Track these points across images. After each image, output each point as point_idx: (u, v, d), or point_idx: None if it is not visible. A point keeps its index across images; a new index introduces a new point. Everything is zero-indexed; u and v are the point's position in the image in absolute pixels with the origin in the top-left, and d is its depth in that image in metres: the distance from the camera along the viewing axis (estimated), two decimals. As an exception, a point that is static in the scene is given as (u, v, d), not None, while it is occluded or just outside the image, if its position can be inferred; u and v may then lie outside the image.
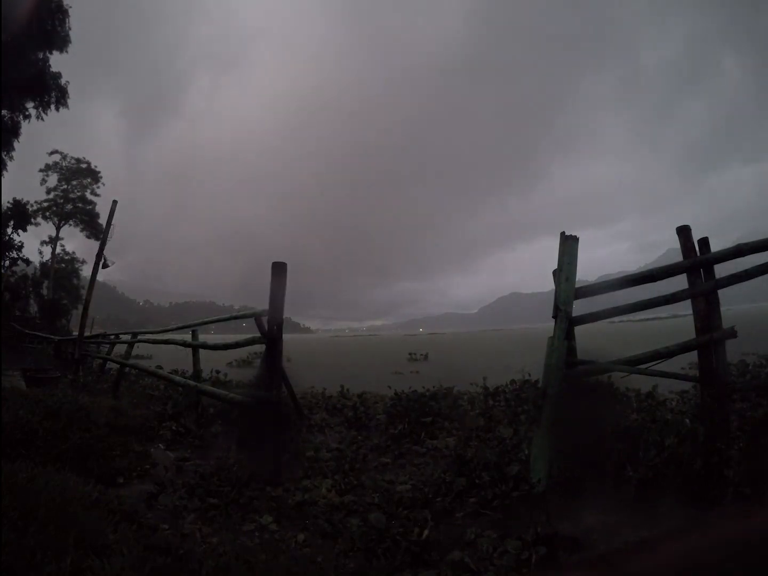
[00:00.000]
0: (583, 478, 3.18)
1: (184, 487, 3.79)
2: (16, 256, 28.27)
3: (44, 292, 33.74)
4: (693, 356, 3.79)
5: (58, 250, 37.41)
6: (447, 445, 4.99)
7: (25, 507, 2.20)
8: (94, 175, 38.58)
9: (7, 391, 6.20)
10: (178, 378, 7.32)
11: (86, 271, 31.32)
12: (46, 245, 36.48)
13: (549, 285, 3.92)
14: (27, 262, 30.07)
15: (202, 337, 7.61)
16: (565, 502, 3.04)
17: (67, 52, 19.18)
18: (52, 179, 37.43)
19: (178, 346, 7.76)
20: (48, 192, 37.07)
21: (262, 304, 4.72)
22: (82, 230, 37.63)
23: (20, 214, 27.69)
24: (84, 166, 38.42)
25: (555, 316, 3.71)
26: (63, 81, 20.18)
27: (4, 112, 18.99)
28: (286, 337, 4.66)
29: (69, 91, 20.37)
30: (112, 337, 13.44)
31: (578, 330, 3.88)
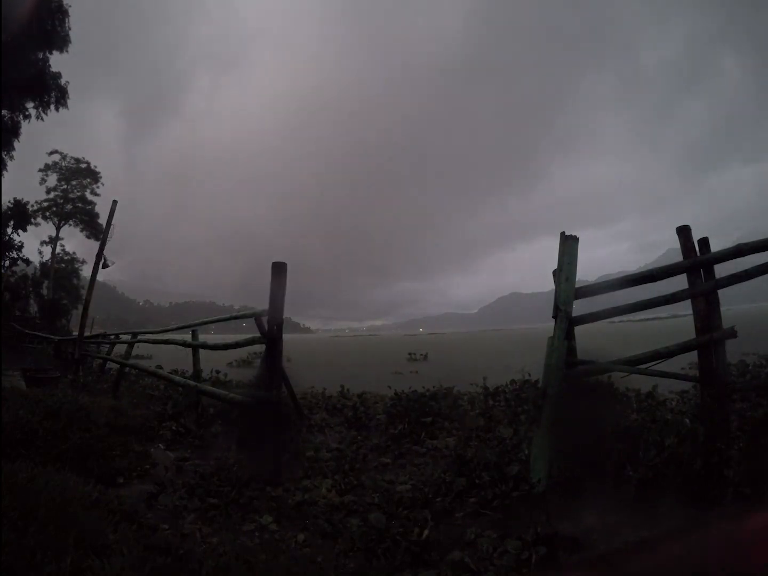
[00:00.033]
0: (583, 478, 3.18)
1: (184, 487, 3.79)
2: (16, 256, 28.28)
3: (44, 292, 33.74)
4: (693, 356, 3.79)
5: (58, 250, 37.46)
6: (447, 445, 4.99)
7: (25, 507, 2.20)
8: (93, 175, 38.60)
9: (7, 391, 6.20)
10: (178, 378, 7.32)
11: (86, 271, 31.35)
12: (46, 245, 36.52)
13: (549, 285, 3.92)
14: (27, 262, 30.07)
15: (202, 337, 7.61)
16: (565, 502, 3.04)
17: (67, 52, 19.18)
18: (52, 179, 37.50)
19: (178, 346, 7.76)
20: (48, 192, 37.12)
21: (262, 304, 4.72)
22: (82, 230, 37.64)
23: (20, 214, 27.69)
24: (84, 166, 38.43)
25: (555, 316, 3.71)
26: (63, 81, 20.20)
27: (4, 112, 18.99)
28: (286, 337, 4.66)
29: (69, 91, 20.38)
30: (112, 337, 13.44)
31: (578, 330, 3.88)
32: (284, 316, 4.57)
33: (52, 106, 20.14)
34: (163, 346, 8.46)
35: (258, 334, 4.87)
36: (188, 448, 5.46)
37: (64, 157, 38.02)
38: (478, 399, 6.96)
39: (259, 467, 4.12)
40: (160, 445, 5.50)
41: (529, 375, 6.82)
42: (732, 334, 3.65)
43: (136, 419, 5.87)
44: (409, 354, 25.43)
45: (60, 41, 18.67)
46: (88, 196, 38.07)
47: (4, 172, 20.61)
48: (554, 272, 3.84)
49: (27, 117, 20.06)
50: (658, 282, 3.74)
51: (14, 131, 19.97)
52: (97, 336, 14.78)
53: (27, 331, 22.72)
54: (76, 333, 14.72)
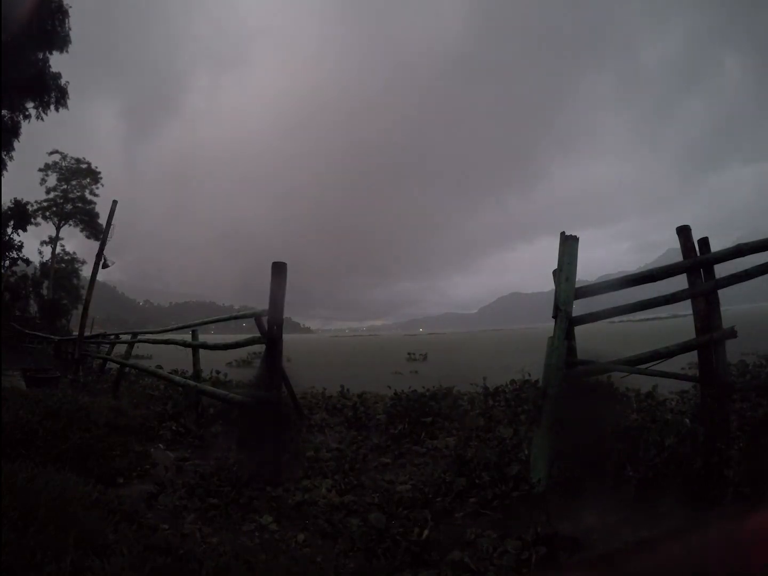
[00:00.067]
0: (583, 478, 3.18)
1: (184, 487, 3.79)
2: (16, 256, 28.30)
3: (44, 292, 33.75)
4: (693, 356, 3.78)
5: (58, 250, 37.49)
6: (447, 445, 4.99)
7: (25, 507, 2.20)
8: (93, 175, 38.60)
9: (7, 391, 6.20)
10: (178, 378, 7.32)
11: (86, 271, 31.35)
12: (46, 245, 36.54)
13: (549, 285, 3.92)
14: (27, 262, 30.08)
15: (202, 337, 7.61)
16: (565, 502, 3.04)
17: (67, 52, 19.18)
18: (52, 179, 37.52)
19: (178, 346, 7.76)
20: (48, 192, 37.15)
21: (262, 304, 4.72)
22: (82, 230, 37.66)
23: (20, 214, 27.70)
24: (84, 166, 38.44)
25: (555, 316, 3.71)
26: (63, 81, 20.21)
27: (4, 112, 18.99)
28: (286, 337, 4.66)
29: (69, 91, 20.39)
30: (112, 337, 13.44)
31: (578, 330, 3.88)
32: (284, 316, 4.57)
33: (52, 106, 20.16)
34: (163, 346, 8.46)
35: (258, 334, 4.87)
36: (188, 448, 5.45)
37: (64, 157, 38.07)
38: (478, 399, 6.96)
39: (259, 467, 4.12)
40: (160, 445, 5.50)
41: (529, 375, 6.82)
42: (732, 334, 3.65)
43: (136, 419, 5.87)
44: (409, 354, 25.42)
45: (60, 41, 18.68)
46: (88, 196, 38.13)
47: (4, 172, 20.63)
48: (554, 272, 3.84)
49: (27, 117, 20.08)
50: (658, 282, 3.74)
51: (14, 131, 19.98)
52: (97, 336, 14.78)
53: (27, 331, 22.73)
54: (76, 333, 14.72)
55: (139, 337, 9.95)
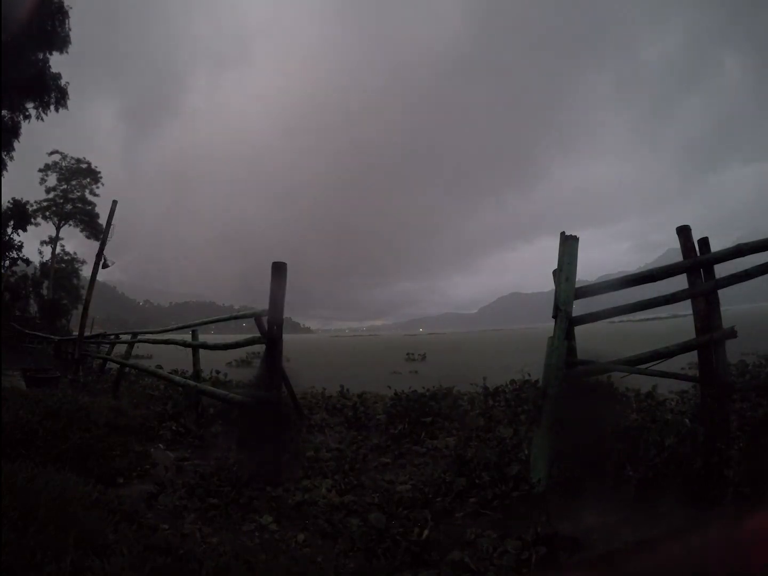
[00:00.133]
0: (583, 478, 3.18)
1: (184, 487, 3.79)
2: (16, 256, 28.30)
3: (44, 292, 33.75)
4: (693, 356, 3.78)
5: (58, 250, 37.50)
6: (447, 445, 4.99)
7: (25, 507, 2.20)
8: (93, 175, 38.61)
9: (7, 391, 6.20)
10: (178, 378, 7.32)
11: (86, 271, 31.36)
12: (46, 245, 36.55)
13: (549, 285, 3.92)
14: (27, 262, 30.09)
15: (202, 337, 7.61)
16: (565, 502, 3.04)
17: (67, 52, 19.20)
18: (52, 179, 37.53)
19: (178, 346, 7.76)
20: (48, 192, 37.15)
21: (262, 304, 4.72)
22: (82, 230, 37.66)
23: (20, 214, 27.70)
24: (84, 166, 38.45)
25: (555, 316, 3.71)
26: (63, 81, 20.22)
27: (4, 112, 18.99)
28: (286, 337, 4.66)
29: (69, 92, 20.40)
30: (112, 337, 13.44)
31: (578, 330, 3.88)
32: (284, 316, 4.57)
33: (52, 107, 20.17)
34: (163, 346, 8.46)
35: (258, 334, 4.86)
36: (188, 448, 5.45)
37: (64, 157, 38.08)
38: (478, 399, 6.97)
39: (259, 467, 4.12)
40: (160, 445, 5.50)
41: (529, 375, 6.82)
42: (732, 334, 3.65)
43: (136, 419, 5.87)
44: (407, 354, 25.39)
45: (60, 42, 18.69)
46: (88, 196, 38.14)
47: (4, 172, 20.63)
48: (554, 272, 3.84)
49: (27, 117, 20.09)
50: (658, 282, 3.74)
51: (14, 131, 19.98)
52: (97, 336, 14.79)
53: (27, 331, 22.73)
54: (76, 333, 14.72)
55: (139, 337, 9.95)
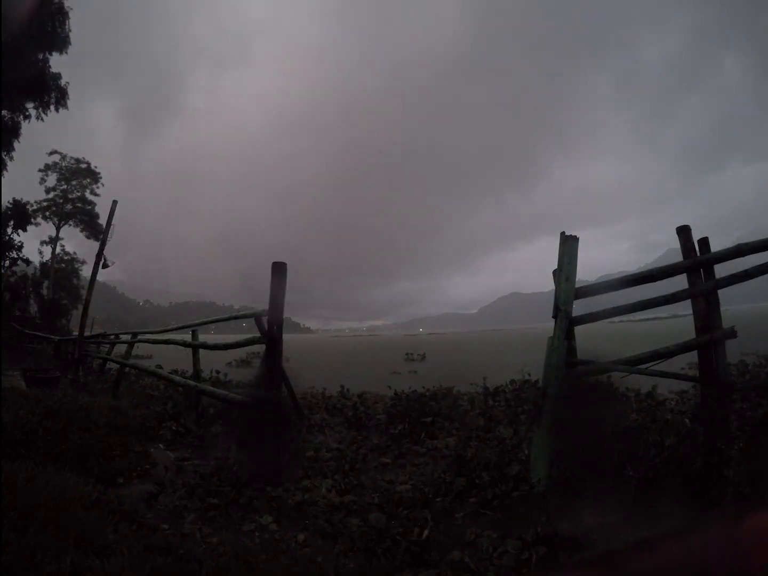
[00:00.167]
0: (583, 478, 3.18)
1: (184, 487, 3.79)
2: (16, 256, 28.31)
3: (44, 292, 33.76)
4: (693, 356, 3.79)
5: (58, 250, 37.51)
6: (447, 445, 4.99)
7: (25, 507, 2.20)
8: (93, 175, 38.62)
9: (7, 391, 6.20)
10: (178, 378, 7.32)
11: (86, 271, 31.37)
12: (46, 245, 36.57)
13: (549, 285, 3.92)
14: (27, 262, 30.09)
15: (202, 337, 7.61)
16: (565, 502, 3.04)
17: (66, 53, 19.21)
18: (52, 179, 37.54)
19: (178, 346, 7.76)
20: (47, 192, 37.17)
21: (262, 304, 4.72)
22: (82, 230, 37.67)
23: (20, 214, 27.70)
24: (84, 166, 38.45)
25: (555, 316, 3.71)
26: (63, 82, 20.23)
27: (4, 112, 19.00)
28: (286, 337, 4.66)
29: (69, 92, 20.41)
30: (112, 337, 13.44)
31: (578, 330, 3.88)
32: (284, 316, 4.57)
33: (52, 107, 20.18)
34: (163, 346, 8.47)
35: (258, 334, 4.86)
36: (188, 448, 5.45)
37: (64, 157, 38.09)
38: (478, 399, 6.97)
39: (259, 467, 4.12)
40: (160, 445, 5.50)
41: (529, 375, 6.82)
42: (732, 334, 3.65)
43: (136, 419, 5.87)
44: (407, 354, 25.35)
45: (60, 43, 18.70)
46: (88, 196, 38.14)
47: (4, 172, 20.64)
48: (554, 272, 3.84)
49: (27, 117, 20.10)
50: (658, 282, 3.74)
51: (14, 131, 19.98)
52: (97, 336, 14.79)
53: (27, 331, 22.73)
54: (76, 333, 14.72)
55: (139, 337, 9.95)
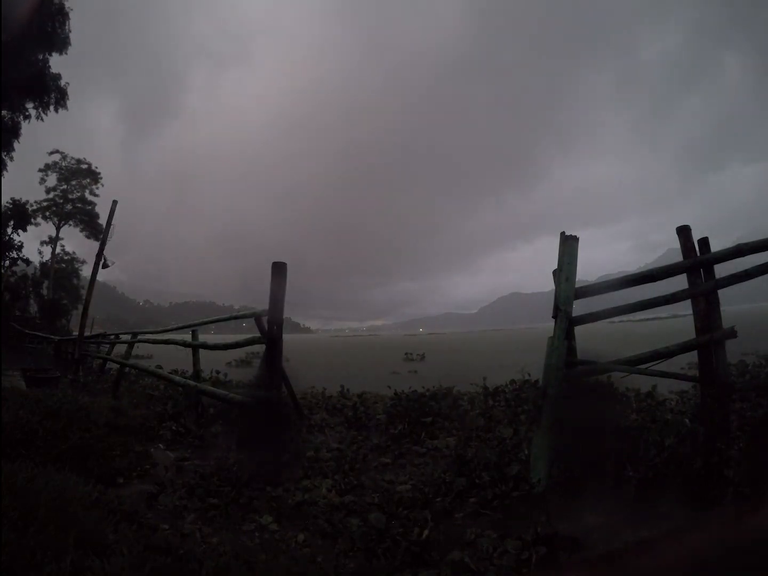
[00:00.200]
0: (583, 478, 3.18)
1: (184, 487, 3.79)
2: (16, 256, 28.31)
3: (44, 292, 33.75)
4: (693, 356, 3.79)
5: (58, 250, 37.49)
6: (447, 445, 4.99)
7: (25, 507, 2.20)
8: (93, 176, 38.60)
9: (7, 391, 6.19)
10: (178, 378, 7.32)
11: (86, 271, 31.39)
12: (46, 245, 36.54)
13: (549, 285, 3.92)
14: (27, 262, 30.09)
15: (202, 337, 7.61)
16: (565, 502, 3.04)
17: (66, 53, 19.21)
18: (52, 179, 37.52)
19: (178, 346, 7.76)
20: (47, 192, 37.16)
21: (262, 304, 4.72)
22: (82, 230, 37.66)
23: (20, 214, 27.70)
24: (84, 166, 38.44)
25: (555, 316, 3.71)
26: (63, 82, 20.23)
27: (4, 112, 19.00)
28: (286, 337, 4.66)
29: (69, 92, 20.42)
30: (112, 337, 13.44)
31: (578, 330, 3.88)
32: (284, 316, 4.57)
33: (52, 107, 20.18)
34: (163, 346, 8.47)
35: (258, 334, 4.86)
36: (188, 448, 5.45)
37: (64, 157, 38.07)
38: (478, 399, 6.96)
39: (259, 467, 4.12)
40: (160, 445, 5.49)
41: (529, 375, 6.82)
42: (732, 334, 3.65)
43: (136, 419, 5.87)
44: (406, 354, 25.33)
45: (60, 43, 18.70)
46: (88, 196, 38.13)
47: (4, 172, 20.64)
48: (554, 272, 3.84)
49: (27, 117, 20.09)
50: (658, 282, 3.74)
51: (14, 131, 19.99)
52: (97, 336, 14.78)
53: (27, 331, 22.73)
54: (76, 333, 14.72)
55: (139, 337, 9.95)
